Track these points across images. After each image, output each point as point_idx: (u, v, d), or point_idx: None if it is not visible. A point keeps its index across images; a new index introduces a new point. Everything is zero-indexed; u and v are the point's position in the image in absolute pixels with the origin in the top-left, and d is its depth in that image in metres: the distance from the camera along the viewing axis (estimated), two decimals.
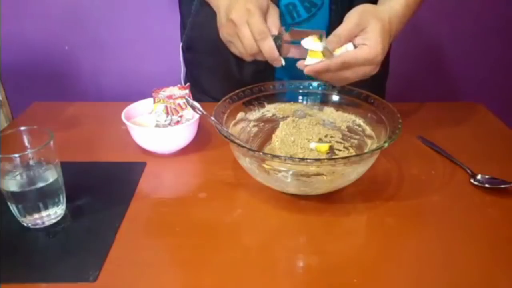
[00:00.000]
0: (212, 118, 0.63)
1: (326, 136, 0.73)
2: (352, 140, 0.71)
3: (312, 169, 0.58)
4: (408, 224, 0.60)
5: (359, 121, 0.71)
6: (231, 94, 0.70)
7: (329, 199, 0.63)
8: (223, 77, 0.89)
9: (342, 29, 0.64)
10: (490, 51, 1.58)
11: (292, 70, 0.84)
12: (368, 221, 0.61)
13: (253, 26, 0.63)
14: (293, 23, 0.81)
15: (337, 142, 0.73)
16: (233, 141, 0.58)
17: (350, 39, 0.64)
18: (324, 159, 0.60)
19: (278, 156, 0.57)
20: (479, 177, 0.67)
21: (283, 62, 0.65)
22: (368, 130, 0.69)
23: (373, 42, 0.63)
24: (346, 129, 0.72)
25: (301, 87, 0.75)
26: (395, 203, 0.63)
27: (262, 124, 0.74)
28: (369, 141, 0.68)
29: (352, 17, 0.64)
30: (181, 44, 0.97)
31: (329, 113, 0.74)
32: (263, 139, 0.73)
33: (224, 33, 0.67)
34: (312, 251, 0.56)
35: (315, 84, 0.74)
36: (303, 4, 0.79)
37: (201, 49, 0.92)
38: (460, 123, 0.84)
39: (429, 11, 1.44)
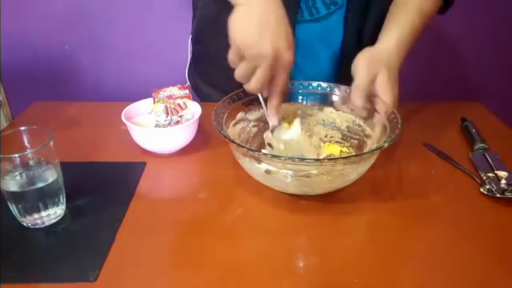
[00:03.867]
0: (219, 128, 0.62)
1: (326, 136, 0.73)
2: (352, 140, 0.71)
3: (311, 168, 0.58)
4: (408, 224, 0.60)
5: (359, 121, 0.71)
6: (231, 94, 0.70)
7: (329, 199, 0.63)
8: (233, 70, 0.88)
9: (359, 81, 0.66)
10: (490, 51, 1.58)
11: (301, 70, 0.83)
12: (368, 221, 0.61)
13: (282, 82, 0.62)
14: (311, 19, 0.80)
15: (336, 142, 0.73)
16: (240, 145, 0.58)
17: (368, 89, 0.66)
18: (324, 159, 0.60)
19: (278, 156, 0.57)
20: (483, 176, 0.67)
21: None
22: (368, 130, 0.69)
23: (387, 93, 0.66)
24: (346, 129, 0.72)
25: (301, 87, 0.75)
26: (395, 203, 0.63)
27: (262, 124, 0.74)
28: (369, 141, 0.68)
29: (362, 68, 0.66)
30: (190, 36, 0.96)
31: (329, 113, 0.74)
32: (262, 140, 0.73)
33: (251, 53, 0.59)
34: (312, 251, 0.56)
35: (315, 84, 0.74)
36: (323, 0, 0.79)
37: (210, 43, 0.91)
38: (460, 123, 0.84)
39: None
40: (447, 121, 0.86)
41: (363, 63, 0.67)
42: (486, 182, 0.65)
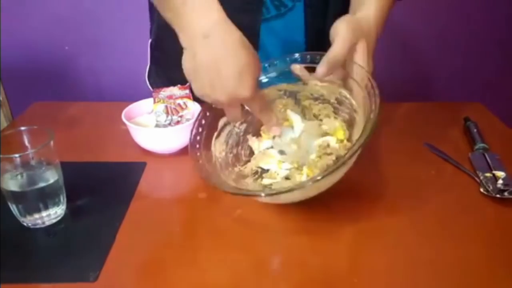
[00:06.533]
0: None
1: (319, 111, 0.69)
2: (343, 114, 0.67)
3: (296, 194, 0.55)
4: (408, 224, 0.60)
5: (345, 92, 0.65)
6: (205, 104, 0.65)
7: (329, 199, 0.63)
8: None
9: (336, 50, 0.58)
10: (490, 51, 1.59)
11: (266, 56, 0.81)
12: (368, 221, 0.60)
13: (257, 106, 0.59)
14: (262, 19, 0.78)
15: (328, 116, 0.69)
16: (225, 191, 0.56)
17: (342, 59, 0.60)
18: (301, 183, 0.55)
19: (255, 194, 0.56)
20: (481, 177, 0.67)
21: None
22: (355, 104, 0.64)
23: (365, 63, 0.60)
24: (336, 102, 0.68)
25: (277, 64, 0.70)
26: (395, 203, 0.63)
27: (250, 117, 0.69)
28: (357, 117, 0.63)
29: (345, 32, 0.59)
30: (149, 41, 0.93)
31: (314, 85, 0.68)
32: (254, 133, 0.71)
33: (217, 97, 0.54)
34: (312, 251, 0.56)
35: (288, 58, 0.69)
36: (273, 1, 0.77)
37: (170, 48, 0.88)
38: (460, 123, 0.84)
39: (428, 11, 1.44)
40: (447, 121, 0.86)
41: (347, 28, 0.59)
42: (483, 182, 0.65)
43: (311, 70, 0.64)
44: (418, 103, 0.93)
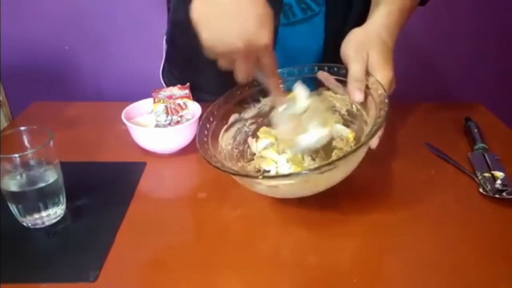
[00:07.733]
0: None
1: (327, 121, 0.68)
2: (352, 126, 0.67)
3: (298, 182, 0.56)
4: (407, 224, 0.60)
5: (357, 104, 0.65)
6: (221, 98, 0.67)
7: (329, 199, 0.63)
8: (214, 72, 0.85)
9: (356, 72, 0.61)
10: (490, 51, 1.59)
11: (287, 59, 0.81)
12: (368, 221, 0.60)
13: (270, 63, 0.57)
14: (287, 23, 0.79)
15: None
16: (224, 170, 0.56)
17: (365, 78, 0.62)
18: (309, 169, 0.55)
19: (255, 176, 0.56)
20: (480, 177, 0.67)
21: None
22: (365, 115, 0.64)
23: (382, 69, 0.61)
24: (347, 113, 0.68)
25: (296, 72, 0.70)
26: (395, 202, 0.63)
27: (261, 119, 0.71)
28: (366, 128, 0.63)
29: (353, 56, 0.61)
30: (164, 37, 0.95)
31: (328, 96, 0.69)
32: (253, 136, 0.71)
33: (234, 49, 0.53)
34: (312, 251, 0.56)
35: (306, 69, 0.70)
36: (299, 5, 0.78)
37: (181, 45, 0.89)
38: (460, 123, 0.84)
39: (430, 12, 1.44)
40: (447, 121, 0.86)
41: (352, 51, 0.62)
42: (482, 182, 0.65)
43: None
44: (418, 103, 0.93)
